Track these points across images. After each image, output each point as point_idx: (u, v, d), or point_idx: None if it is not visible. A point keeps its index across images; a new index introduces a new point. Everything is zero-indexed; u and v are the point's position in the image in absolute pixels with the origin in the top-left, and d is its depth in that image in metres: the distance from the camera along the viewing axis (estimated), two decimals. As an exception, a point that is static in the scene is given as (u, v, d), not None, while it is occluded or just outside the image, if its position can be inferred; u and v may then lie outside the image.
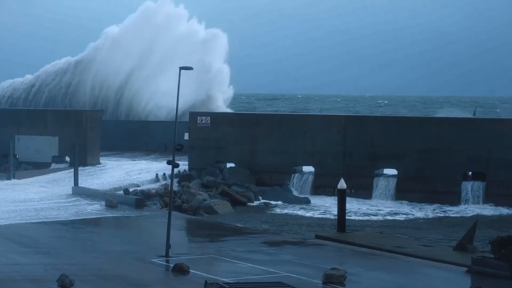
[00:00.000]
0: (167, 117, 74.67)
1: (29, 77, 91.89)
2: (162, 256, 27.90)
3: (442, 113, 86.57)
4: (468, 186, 48.22)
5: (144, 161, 60.58)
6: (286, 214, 45.64)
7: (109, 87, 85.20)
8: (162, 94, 77.75)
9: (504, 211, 46.08)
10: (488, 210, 46.33)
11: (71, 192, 47.56)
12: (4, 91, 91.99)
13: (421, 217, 44.78)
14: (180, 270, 25.46)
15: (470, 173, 49.00)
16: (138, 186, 50.55)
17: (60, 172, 56.52)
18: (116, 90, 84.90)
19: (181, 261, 26.32)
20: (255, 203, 48.93)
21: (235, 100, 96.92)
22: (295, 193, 50.91)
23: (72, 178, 49.28)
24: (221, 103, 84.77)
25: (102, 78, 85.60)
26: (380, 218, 44.23)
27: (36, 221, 37.55)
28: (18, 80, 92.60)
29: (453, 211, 46.33)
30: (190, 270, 25.35)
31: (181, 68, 30.13)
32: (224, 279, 23.59)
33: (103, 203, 43.06)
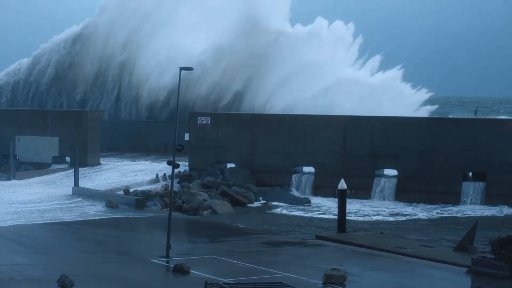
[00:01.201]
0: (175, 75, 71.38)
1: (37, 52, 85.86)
2: (163, 257, 27.91)
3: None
4: (468, 187, 48.21)
5: (144, 162, 60.54)
6: (286, 214, 45.61)
7: (114, 44, 79.88)
8: (175, 44, 73.98)
9: (504, 211, 46.03)
10: (489, 210, 46.28)
11: (71, 193, 47.57)
12: (10, 75, 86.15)
13: (422, 218, 44.73)
14: (181, 270, 25.49)
15: (470, 173, 48.97)
16: (138, 186, 50.51)
17: (60, 173, 56.50)
18: (121, 48, 79.70)
19: (181, 261, 26.34)
20: (255, 203, 48.91)
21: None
22: (295, 193, 50.90)
23: (72, 179, 49.32)
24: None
25: (107, 38, 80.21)
26: (380, 218, 44.19)
27: (38, 222, 37.54)
28: (24, 61, 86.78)
29: (453, 212, 46.29)
30: (191, 271, 25.38)
31: (181, 69, 30.10)
32: (224, 280, 23.59)
33: (104, 203, 43.07)
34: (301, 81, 70.37)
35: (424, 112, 70.97)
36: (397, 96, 71.10)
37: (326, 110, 65.90)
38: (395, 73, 74.77)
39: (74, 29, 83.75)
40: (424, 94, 73.31)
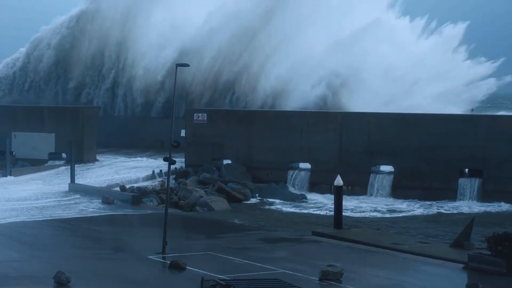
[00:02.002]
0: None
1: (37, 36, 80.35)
2: (159, 253, 27.87)
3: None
4: (464, 183, 48.23)
5: (140, 158, 60.46)
6: (282, 211, 45.61)
7: (114, 20, 74.75)
8: (180, 14, 70.67)
9: (500, 207, 46.08)
10: (485, 207, 46.33)
11: (67, 189, 47.46)
12: (9, 66, 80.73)
13: (418, 214, 44.77)
14: (177, 266, 25.45)
15: (466, 170, 48.99)
16: (135, 183, 50.47)
17: (57, 169, 56.39)
18: (120, 23, 74.77)
19: (177, 257, 26.31)
20: (252, 200, 48.89)
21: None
22: (291, 189, 50.84)
23: (68, 175, 49.23)
24: None
25: (107, 13, 75.24)
26: (377, 215, 44.23)
27: (35, 219, 37.42)
28: (24, 49, 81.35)
29: (449, 208, 46.30)
30: (187, 267, 25.34)
31: (177, 65, 29.98)
32: (221, 276, 23.59)
33: (100, 200, 43.00)
34: (319, 29, 63.83)
35: (478, 91, 64.33)
36: (446, 67, 63.29)
37: (347, 70, 61.11)
38: (450, 34, 66.31)
39: (81, 6, 78.51)
40: (482, 65, 64.65)
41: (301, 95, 63.46)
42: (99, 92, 75.74)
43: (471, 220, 30.77)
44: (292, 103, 64.20)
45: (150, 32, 73.73)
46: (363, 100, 59.50)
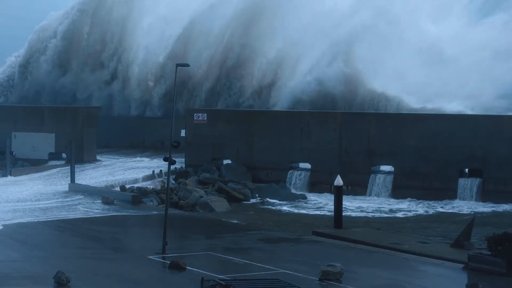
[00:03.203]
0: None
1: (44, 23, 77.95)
2: (159, 253, 27.88)
3: None
4: (464, 183, 48.21)
5: (140, 158, 60.45)
6: (282, 210, 45.60)
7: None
8: None
9: (500, 207, 46.03)
10: (485, 207, 46.31)
11: (67, 189, 47.45)
12: (12, 65, 78.88)
13: (418, 214, 44.74)
14: (177, 267, 25.46)
15: (466, 170, 48.98)
16: (135, 183, 50.48)
17: (57, 169, 56.40)
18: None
19: (177, 257, 26.32)
20: (252, 200, 48.89)
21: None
22: (291, 189, 50.85)
23: (67, 175, 49.22)
24: None
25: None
26: (377, 214, 44.21)
27: (34, 220, 37.39)
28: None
29: (449, 208, 46.28)
30: (187, 267, 25.35)
31: (177, 65, 29.95)
32: (221, 276, 23.59)
33: (100, 200, 43.00)
34: None
35: None
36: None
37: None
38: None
39: None
40: None
41: (308, 67, 61.83)
42: (97, 85, 74.33)
43: (471, 220, 30.78)
44: (297, 81, 63.18)
45: (158, 5, 71.40)
46: (392, 80, 57.06)
